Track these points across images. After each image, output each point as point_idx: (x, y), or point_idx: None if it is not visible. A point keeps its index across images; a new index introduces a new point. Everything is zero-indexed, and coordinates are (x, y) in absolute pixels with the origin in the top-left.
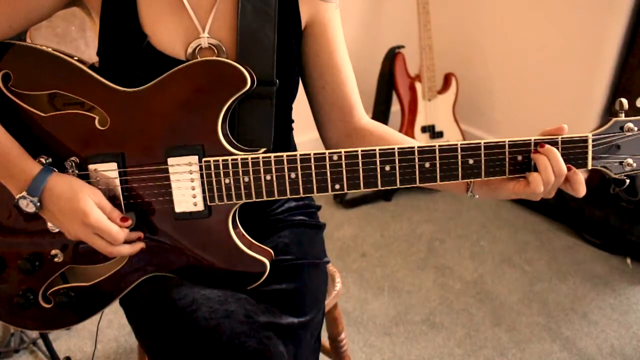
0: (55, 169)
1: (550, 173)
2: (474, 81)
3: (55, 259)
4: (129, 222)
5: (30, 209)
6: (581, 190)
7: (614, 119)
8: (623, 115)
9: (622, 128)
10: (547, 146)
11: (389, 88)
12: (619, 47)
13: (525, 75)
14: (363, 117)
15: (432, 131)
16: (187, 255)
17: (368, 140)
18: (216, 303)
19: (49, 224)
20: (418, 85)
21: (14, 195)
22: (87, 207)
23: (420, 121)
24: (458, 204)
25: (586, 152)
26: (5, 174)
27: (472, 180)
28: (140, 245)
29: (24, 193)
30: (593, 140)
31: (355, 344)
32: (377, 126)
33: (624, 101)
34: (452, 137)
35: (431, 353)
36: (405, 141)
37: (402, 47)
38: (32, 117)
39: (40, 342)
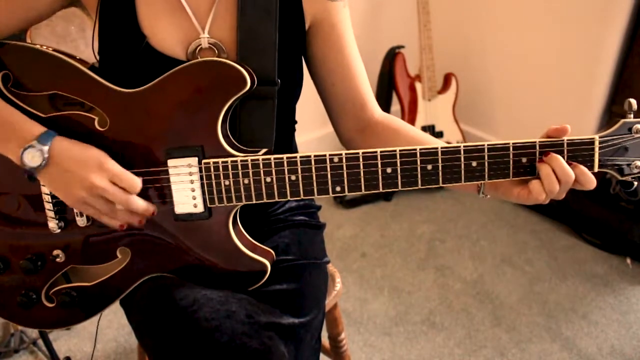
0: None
1: (553, 181)
2: (474, 81)
3: (57, 259)
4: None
5: (36, 161)
6: (591, 184)
7: (622, 120)
8: (632, 116)
9: (630, 129)
10: (551, 154)
11: (389, 88)
12: (619, 47)
13: (525, 75)
14: (376, 111)
15: (432, 131)
16: (188, 256)
17: (383, 135)
18: (217, 303)
19: (50, 224)
20: (418, 85)
21: (17, 152)
22: (102, 156)
23: (420, 121)
24: (458, 204)
25: (592, 154)
26: (10, 134)
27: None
28: (153, 208)
29: (34, 142)
30: (600, 142)
31: (355, 344)
32: (391, 120)
33: (633, 101)
34: (452, 137)
35: (431, 353)
36: (421, 136)
37: (402, 47)
38: (32, 118)
39: (40, 342)
